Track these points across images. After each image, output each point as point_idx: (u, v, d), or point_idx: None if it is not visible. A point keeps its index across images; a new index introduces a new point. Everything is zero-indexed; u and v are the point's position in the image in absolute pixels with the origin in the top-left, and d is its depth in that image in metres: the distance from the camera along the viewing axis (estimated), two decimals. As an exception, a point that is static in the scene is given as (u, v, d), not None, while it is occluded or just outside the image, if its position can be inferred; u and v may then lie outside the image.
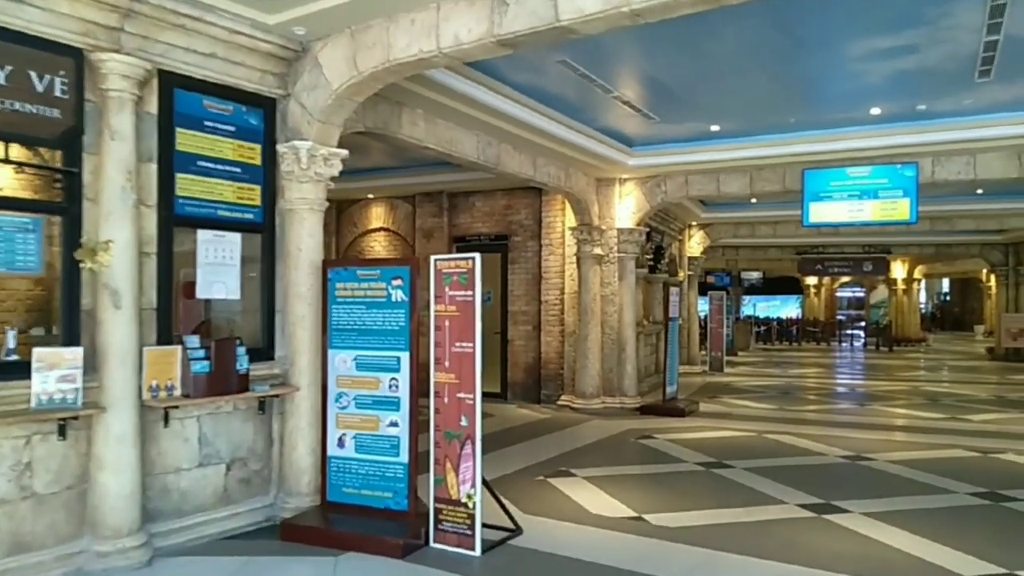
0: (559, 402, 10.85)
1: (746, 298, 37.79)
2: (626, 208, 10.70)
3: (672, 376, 10.69)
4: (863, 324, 29.86)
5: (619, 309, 10.69)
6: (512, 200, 11.57)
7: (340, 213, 12.95)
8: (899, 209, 8.89)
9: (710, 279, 34.61)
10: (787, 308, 36.76)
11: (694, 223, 16.30)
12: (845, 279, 33.12)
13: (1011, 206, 13.18)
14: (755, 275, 33.57)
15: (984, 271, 25.33)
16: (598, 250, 10.58)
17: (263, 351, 5.19)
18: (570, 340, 10.90)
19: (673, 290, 10.71)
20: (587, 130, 8.82)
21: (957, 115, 8.08)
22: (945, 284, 42.18)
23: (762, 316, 33.80)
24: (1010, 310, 19.83)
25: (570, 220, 10.79)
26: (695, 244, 16.55)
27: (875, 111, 8.05)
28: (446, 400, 4.65)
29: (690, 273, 16.57)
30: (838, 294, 35.64)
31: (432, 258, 4.72)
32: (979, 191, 13.10)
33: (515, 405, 11.08)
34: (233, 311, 5.41)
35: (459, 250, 12.02)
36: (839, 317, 33.81)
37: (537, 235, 11.31)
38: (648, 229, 13.37)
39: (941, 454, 7.63)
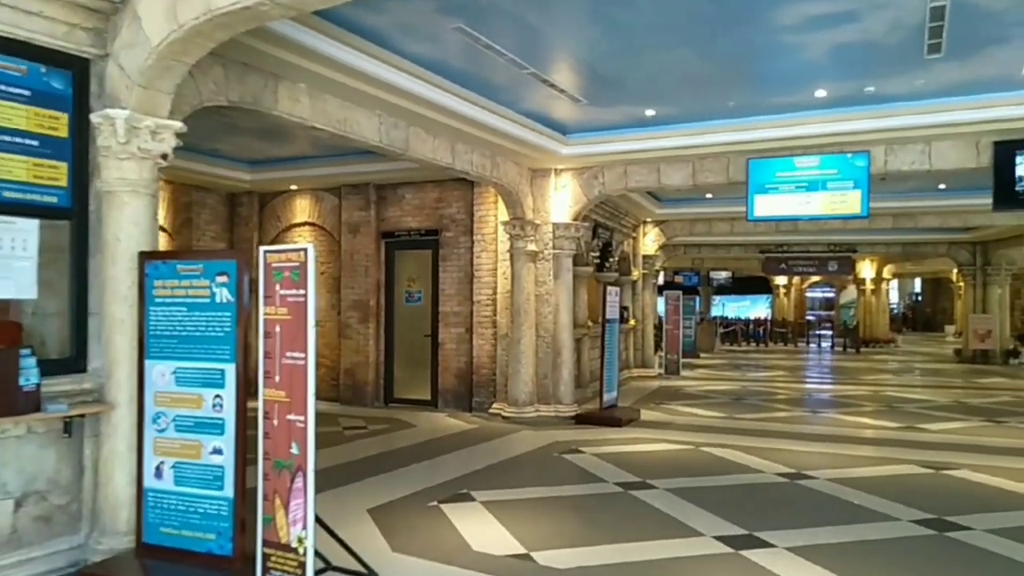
0: (491, 410, 10.05)
1: (716, 298, 37.34)
2: (562, 201, 9.92)
3: (610, 383, 9.93)
4: (832, 324, 29.41)
5: (555, 310, 9.90)
6: (443, 192, 10.74)
7: (263, 206, 12.04)
8: (849, 202, 8.19)
9: (678, 279, 34.15)
10: (757, 308, 36.31)
11: (648, 220, 15.57)
12: (815, 279, 32.68)
13: (975, 202, 12.54)
14: (724, 275, 33.00)
15: (954, 271, 24.93)
16: (532, 246, 9.79)
17: (72, 361, 4.32)
18: (503, 343, 10.10)
19: (611, 290, 9.95)
20: (510, 114, 8.01)
21: (909, 99, 7.38)
22: (917, 284, 42.07)
23: (731, 316, 33.27)
24: (977, 311, 19.36)
25: (503, 214, 9.98)
26: (650, 242, 15.82)
27: (820, 94, 7.33)
28: (276, 422, 3.81)
29: (645, 272, 15.83)
30: (808, 294, 35.24)
31: (261, 249, 3.87)
32: (941, 186, 12.52)
33: (445, 414, 10.26)
34: (48, 313, 4.52)
35: (388, 246, 11.22)
36: (809, 317, 33.42)
37: (469, 230, 10.50)
38: (594, 225, 12.66)
39: (890, 471, 6.92)
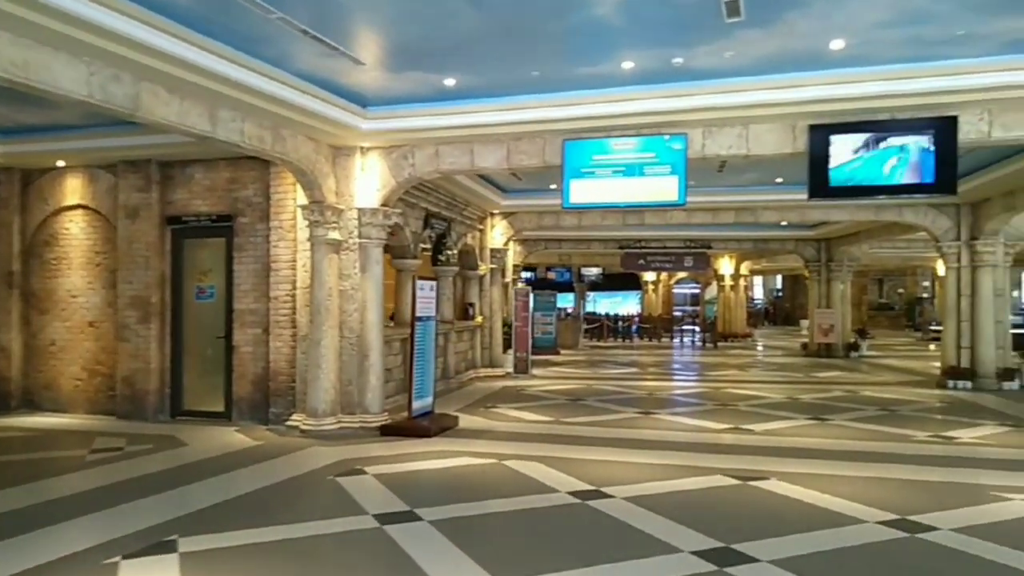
0: (289, 422, 8.78)
1: (590, 294, 37.42)
2: (369, 184, 8.77)
3: (423, 388, 8.88)
4: (695, 320, 29.92)
5: (361, 307, 8.74)
6: (238, 172, 9.35)
7: (27, 185, 10.17)
8: (666, 189, 7.53)
9: (551, 275, 33.89)
10: (628, 304, 36.62)
11: (495, 212, 14.70)
12: (681, 275, 33.22)
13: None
14: (595, 271, 33.00)
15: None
16: (335, 234, 8.59)
17: None
18: (303, 346, 8.84)
19: (423, 283, 8.89)
20: (281, 75, 6.78)
21: (722, 75, 6.77)
22: (779, 280, 44.02)
23: (602, 312, 33.27)
24: (822, 306, 19.88)
25: (303, 197, 8.71)
26: (498, 235, 14.95)
27: (627, 65, 6.57)
28: None
29: (493, 266, 14.95)
30: (676, 290, 35.88)
31: None
32: (779, 180, 12.35)
33: (236, 428, 8.89)
34: None
35: (174, 233, 9.68)
36: (676, 313, 33.96)
37: (267, 215, 9.16)
38: (426, 214, 11.67)
39: (695, 483, 6.25)
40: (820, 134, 7.09)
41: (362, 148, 8.72)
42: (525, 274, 30.46)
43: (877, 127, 6.96)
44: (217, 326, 9.48)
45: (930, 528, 4.99)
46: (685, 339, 27.41)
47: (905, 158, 6.85)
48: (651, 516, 5.26)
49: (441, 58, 6.54)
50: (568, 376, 15.14)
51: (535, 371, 15.49)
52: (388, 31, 5.90)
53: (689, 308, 36.71)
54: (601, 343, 25.91)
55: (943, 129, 6.83)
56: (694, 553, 4.50)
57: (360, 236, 8.72)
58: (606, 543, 4.74)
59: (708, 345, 24.12)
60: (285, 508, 5.54)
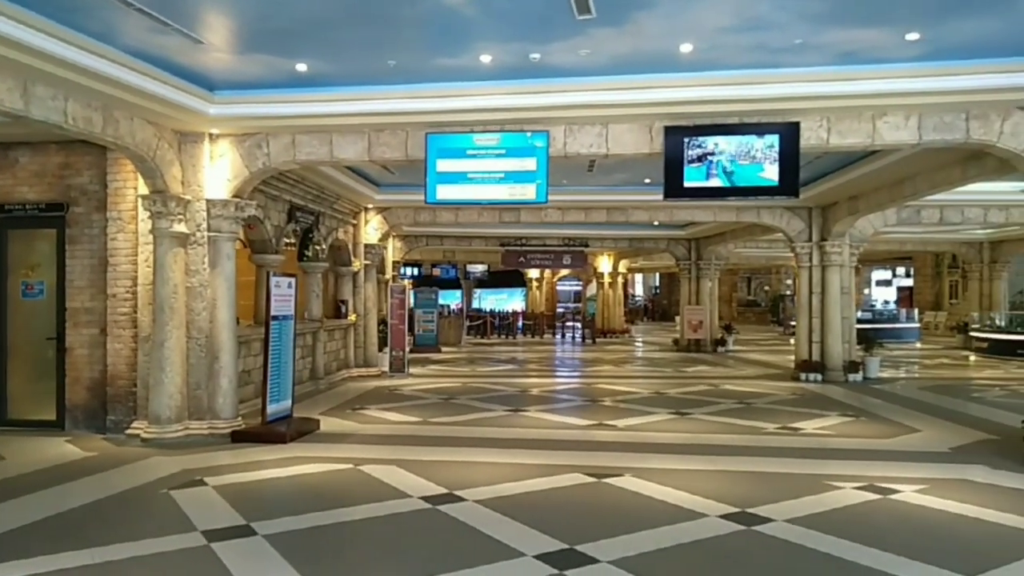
0: (129, 430, 8.07)
1: (476, 291, 37.44)
2: (219, 173, 8.20)
3: (280, 391, 8.41)
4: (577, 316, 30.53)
5: (211, 305, 8.16)
6: (72, 156, 8.51)
7: None
8: (528, 187, 7.48)
9: (436, 272, 33.61)
10: (513, 301, 36.89)
11: (370, 206, 14.27)
12: (564, 273, 33.82)
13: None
14: (480, 268, 33.02)
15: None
16: (180, 227, 7.96)
17: None
18: (145, 347, 8.15)
19: (280, 280, 8.42)
20: (109, 51, 6.16)
21: (580, 73, 6.77)
22: (658, 278, 45.81)
23: (488, 309, 33.37)
24: (693, 303, 20.72)
25: (145, 186, 8.02)
26: (372, 230, 14.52)
27: (485, 59, 6.44)
28: None
29: (367, 263, 14.50)
30: (559, 287, 36.49)
31: None
32: (647, 180, 12.66)
33: (68, 438, 8.09)
34: None
35: (-6, 224, 8.67)
36: (560, 309, 34.56)
37: (104, 205, 8.38)
38: (290, 207, 11.13)
39: (551, 482, 6.22)
40: (675, 136, 7.26)
41: (211, 135, 8.14)
42: (409, 271, 30.01)
43: (728, 130, 7.20)
44: (47, 326, 8.59)
45: (766, 520, 5.17)
46: (567, 335, 27.84)
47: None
48: (501, 519, 5.16)
49: (290, 41, 6.16)
50: (446, 374, 14.93)
51: (413, 369, 15.18)
52: (224, 7, 5.47)
53: (572, 305, 37.48)
54: (484, 340, 25.89)
55: (787, 134, 7.15)
56: (537, 557, 4.42)
57: (210, 229, 8.14)
58: (449, 551, 4.58)
59: (588, 341, 24.62)
60: (104, 528, 5.02)
